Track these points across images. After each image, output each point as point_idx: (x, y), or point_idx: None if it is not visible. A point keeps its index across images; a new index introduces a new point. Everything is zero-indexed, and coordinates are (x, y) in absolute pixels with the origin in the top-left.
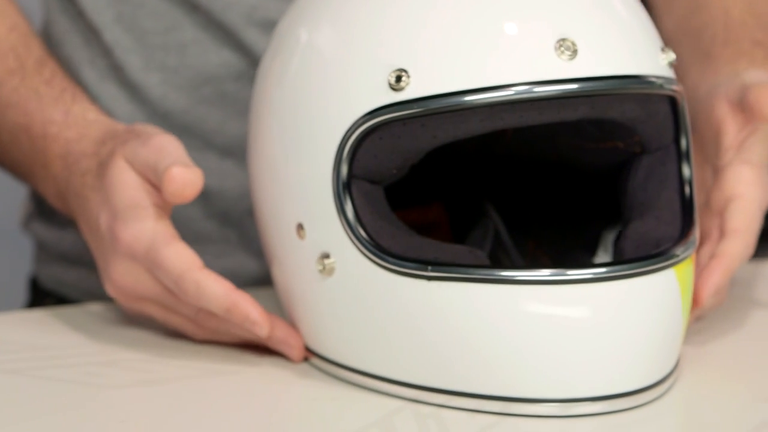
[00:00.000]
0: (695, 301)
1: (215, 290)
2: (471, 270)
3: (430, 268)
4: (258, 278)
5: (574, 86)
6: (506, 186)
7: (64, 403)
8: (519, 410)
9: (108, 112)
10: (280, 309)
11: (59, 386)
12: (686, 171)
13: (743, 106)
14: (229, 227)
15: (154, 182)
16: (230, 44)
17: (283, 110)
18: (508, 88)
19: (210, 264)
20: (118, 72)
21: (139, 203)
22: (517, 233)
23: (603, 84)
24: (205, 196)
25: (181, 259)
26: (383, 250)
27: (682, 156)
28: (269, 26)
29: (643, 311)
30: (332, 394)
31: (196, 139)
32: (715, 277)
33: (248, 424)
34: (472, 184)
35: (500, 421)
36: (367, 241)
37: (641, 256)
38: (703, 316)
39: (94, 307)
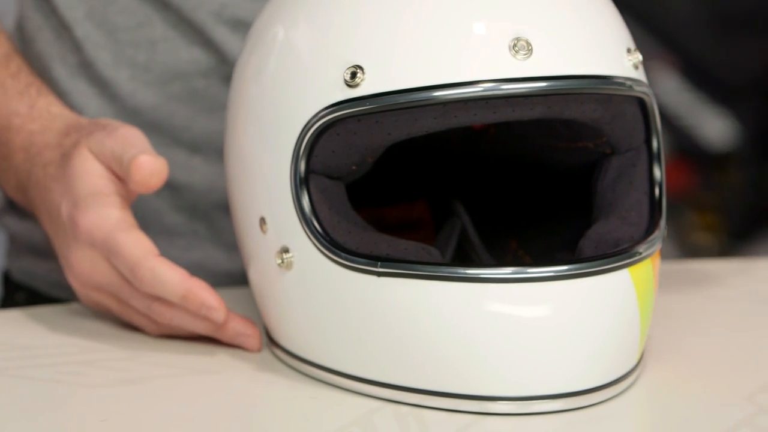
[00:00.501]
0: None
1: (170, 277)
2: (422, 267)
3: (380, 264)
4: (227, 272)
5: (529, 85)
6: (489, 185)
7: (44, 403)
8: (477, 408)
9: (78, 108)
10: (247, 308)
11: (38, 386)
12: (657, 172)
13: None
14: (197, 220)
15: (118, 173)
16: (200, 42)
17: (251, 105)
18: (459, 87)
19: (178, 257)
20: (88, 68)
21: (101, 191)
22: (500, 232)
23: (561, 84)
24: (173, 189)
25: (138, 246)
26: (337, 245)
27: (653, 157)
28: (238, 24)
29: (599, 310)
30: (311, 393)
31: (164, 135)
32: None
33: (228, 422)
34: (455, 183)
35: (479, 420)
36: (321, 235)
37: (598, 255)
38: None
39: (73, 307)
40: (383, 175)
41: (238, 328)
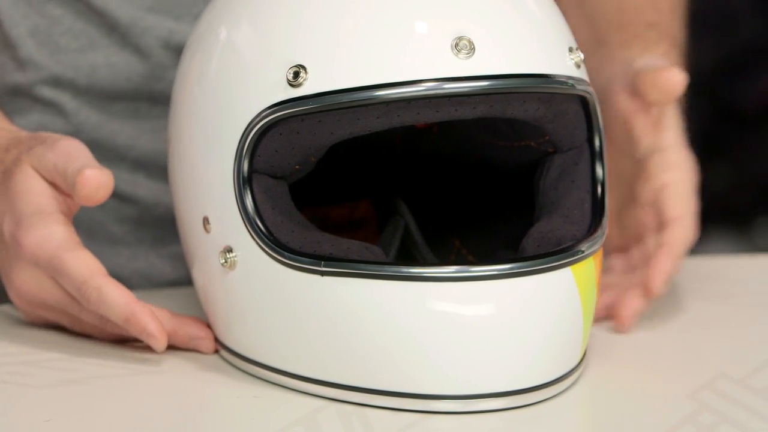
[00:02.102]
0: (648, 291)
1: (116, 298)
2: (365, 266)
3: (323, 263)
4: (171, 281)
5: (471, 84)
6: (432, 184)
7: None
8: (421, 407)
9: (21, 127)
10: (191, 309)
11: None
12: (599, 170)
13: (638, 95)
14: (143, 230)
15: (62, 187)
16: (145, 67)
17: (195, 105)
18: (402, 86)
19: (123, 266)
20: (31, 87)
21: (44, 209)
22: (443, 231)
23: (503, 82)
24: (118, 201)
25: (85, 265)
26: (280, 245)
27: (595, 156)
28: None
29: (542, 308)
30: (255, 392)
31: (108, 152)
32: (665, 265)
33: (172, 422)
34: (398, 182)
35: (422, 418)
36: (265, 235)
37: (541, 253)
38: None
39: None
40: (326, 174)
41: (192, 331)
